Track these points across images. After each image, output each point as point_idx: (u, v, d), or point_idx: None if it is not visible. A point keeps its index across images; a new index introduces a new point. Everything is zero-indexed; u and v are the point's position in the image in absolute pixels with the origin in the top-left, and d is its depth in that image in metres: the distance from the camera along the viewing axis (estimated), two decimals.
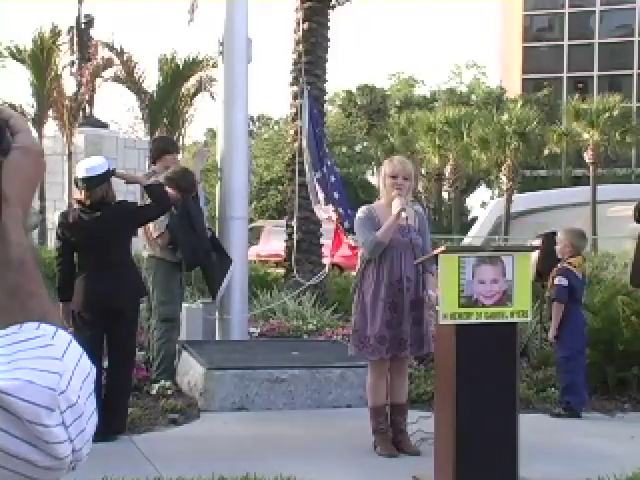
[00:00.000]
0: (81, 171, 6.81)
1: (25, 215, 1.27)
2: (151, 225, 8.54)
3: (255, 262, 16.06)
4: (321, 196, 10.46)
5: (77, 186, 6.93)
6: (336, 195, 10.49)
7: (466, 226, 47.54)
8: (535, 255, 8.70)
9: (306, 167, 10.80)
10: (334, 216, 10.25)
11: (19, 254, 1.23)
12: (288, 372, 8.04)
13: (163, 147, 9.39)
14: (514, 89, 68.42)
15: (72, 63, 26.69)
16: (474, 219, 51.46)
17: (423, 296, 6.49)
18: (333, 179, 10.64)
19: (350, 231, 9.43)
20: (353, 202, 10.97)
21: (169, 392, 8.17)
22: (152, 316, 8.81)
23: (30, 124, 26.36)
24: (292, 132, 15.59)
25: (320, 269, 14.98)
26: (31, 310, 1.21)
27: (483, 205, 60.22)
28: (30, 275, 1.23)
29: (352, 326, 6.69)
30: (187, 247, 8.65)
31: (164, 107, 26.91)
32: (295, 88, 15.36)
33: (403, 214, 6.36)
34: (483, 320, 5.60)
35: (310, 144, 10.70)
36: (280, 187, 40.40)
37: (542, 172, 57.44)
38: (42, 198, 24.09)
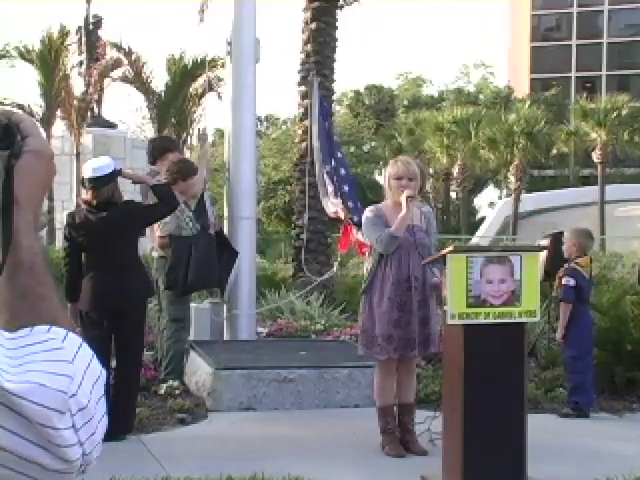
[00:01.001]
0: (88, 171, 6.82)
1: (35, 218, 1.27)
2: (156, 224, 8.54)
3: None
4: (330, 189, 10.33)
5: (84, 186, 6.93)
6: (345, 188, 10.39)
7: (474, 226, 47.48)
8: (543, 255, 8.69)
9: (315, 160, 10.70)
10: (342, 211, 10.15)
11: (30, 257, 1.24)
12: (296, 372, 8.04)
13: (165, 146, 9.39)
14: (522, 89, 68.35)
15: (80, 63, 26.76)
16: (482, 219, 51.41)
17: (429, 296, 6.49)
18: (343, 172, 10.53)
19: (360, 226, 9.41)
20: (361, 202, 10.86)
21: (177, 392, 8.18)
22: (162, 316, 8.82)
23: (38, 124, 26.40)
24: (300, 132, 15.59)
25: (328, 269, 14.99)
26: (41, 313, 1.21)
27: (491, 205, 60.17)
28: (40, 278, 1.24)
29: (360, 326, 6.69)
30: (171, 272, 8.59)
31: (172, 107, 26.97)
32: (303, 88, 15.37)
33: (415, 211, 6.40)
34: (491, 320, 5.59)
35: (320, 136, 10.60)
36: (288, 187, 40.40)
37: (550, 172, 57.37)
38: (50, 198, 24.14)
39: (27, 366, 1.11)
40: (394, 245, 6.39)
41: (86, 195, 6.94)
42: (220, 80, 25.27)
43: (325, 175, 10.39)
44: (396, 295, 6.41)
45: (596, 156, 42.30)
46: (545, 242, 10.11)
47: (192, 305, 9.73)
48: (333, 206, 10.30)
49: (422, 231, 6.55)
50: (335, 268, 11.98)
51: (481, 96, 66.18)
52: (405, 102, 66.00)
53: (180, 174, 8.57)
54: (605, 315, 8.98)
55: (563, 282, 8.02)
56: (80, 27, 27.01)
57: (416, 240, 6.44)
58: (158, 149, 9.26)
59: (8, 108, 1.39)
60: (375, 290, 6.48)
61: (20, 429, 1.10)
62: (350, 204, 10.22)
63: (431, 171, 50.83)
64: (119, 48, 26.49)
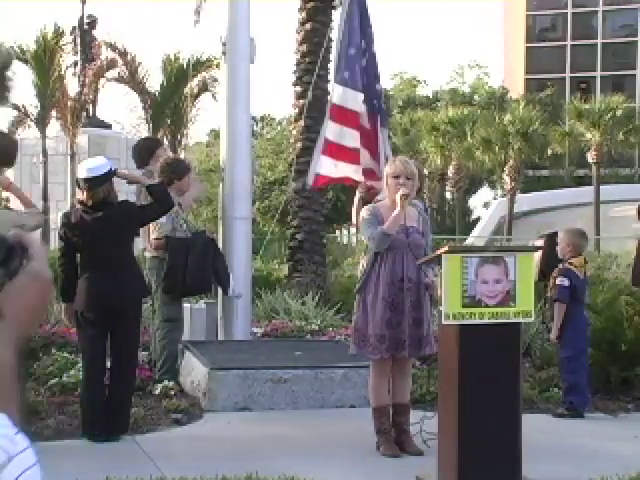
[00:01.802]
0: (83, 171, 6.82)
1: (19, 337, 1.33)
2: (151, 226, 8.55)
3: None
4: (359, 80, 9.37)
5: (79, 187, 6.93)
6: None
7: (469, 226, 47.54)
8: (538, 255, 8.69)
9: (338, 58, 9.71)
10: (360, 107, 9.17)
11: None
12: (291, 372, 8.04)
13: (152, 145, 9.52)
14: (517, 89, 68.40)
15: (75, 63, 26.72)
16: (477, 219, 51.50)
17: (423, 297, 6.49)
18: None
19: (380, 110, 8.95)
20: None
21: (172, 392, 8.17)
22: (155, 316, 8.82)
23: (33, 124, 26.39)
24: (295, 132, 15.60)
25: (323, 269, 14.98)
26: None
27: (486, 205, 60.25)
28: (4, 385, 1.29)
29: (353, 325, 6.70)
30: (169, 274, 8.58)
31: (167, 107, 26.95)
32: (298, 88, 15.38)
33: (412, 211, 6.41)
34: (486, 320, 5.59)
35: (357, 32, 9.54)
36: (283, 187, 40.39)
37: (545, 172, 57.45)
38: (45, 199, 24.11)
39: None
40: (386, 243, 6.38)
41: (81, 195, 6.94)
42: (215, 80, 25.31)
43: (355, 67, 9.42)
44: (389, 295, 6.41)
45: (591, 156, 42.40)
46: (540, 242, 10.12)
47: (187, 305, 9.73)
48: (342, 98, 9.26)
49: (418, 232, 6.55)
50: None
51: (476, 96, 66.24)
52: (400, 102, 66.04)
53: (175, 174, 8.59)
54: (600, 315, 8.99)
55: (557, 282, 8.03)
56: (75, 27, 26.95)
57: (411, 241, 6.44)
58: (147, 149, 9.30)
59: (19, 229, 1.48)
60: (369, 290, 6.49)
61: None
62: (378, 87, 9.42)
63: (426, 171, 50.86)
64: (114, 48, 26.49)
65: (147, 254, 8.95)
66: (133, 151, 9.61)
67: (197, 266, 8.54)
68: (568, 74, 76.39)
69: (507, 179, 42.34)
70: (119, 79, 27.09)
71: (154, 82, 27.06)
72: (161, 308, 8.70)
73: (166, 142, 27.01)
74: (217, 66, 22.07)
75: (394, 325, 6.39)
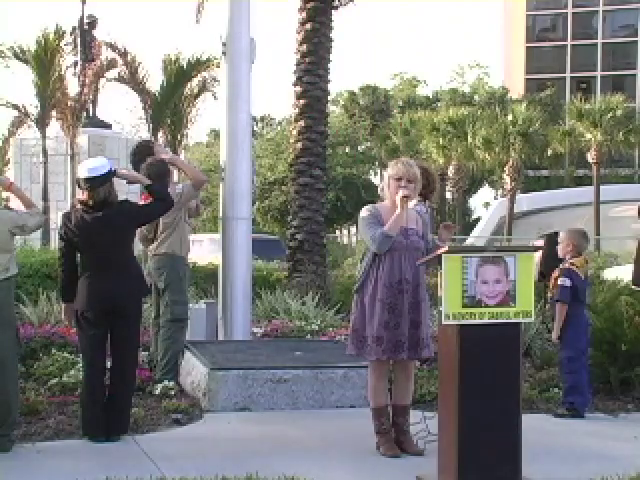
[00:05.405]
0: (83, 171, 6.81)
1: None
2: (161, 224, 8.64)
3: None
4: None
5: (80, 187, 6.93)
6: None
7: (469, 226, 47.56)
8: (538, 256, 8.69)
9: None
10: None
11: None
12: (291, 372, 8.04)
13: (147, 145, 9.56)
14: (517, 89, 68.44)
15: (75, 64, 26.72)
16: (477, 219, 51.52)
17: (421, 299, 6.47)
18: None
19: None
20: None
21: (172, 392, 8.18)
22: (161, 315, 8.81)
23: (33, 124, 26.39)
24: (295, 132, 15.60)
25: (323, 269, 15.00)
26: None
27: (486, 205, 60.27)
28: None
29: (351, 325, 6.68)
30: None
31: (167, 107, 26.97)
32: (298, 88, 15.38)
33: (410, 204, 6.38)
34: (486, 320, 5.59)
35: None
36: (283, 187, 40.39)
37: (545, 172, 57.46)
38: (45, 199, 24.11)
39: None
40: (387, 244, 6.37)
41: (82, 195, 6.94)
42: (215, 80, 25.34)
43: None
44: (387, 297, 6.39)
45: (591, 156, 42.40)
46: (540, 242, 10.13)
47: (188, 306, 9.73)
48: None
49: (417, 235, 6.53)
50: None
51: (476, 96, 66.24)
52: (400, 102, 66.08)
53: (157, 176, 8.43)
54: (600, 315, 8.98)
55: (559, 282, 8.03)
56: (75, 27, 26.95)
57: (409, 243, 6.43)
58: (147, 151, 9.25)
59: None
60: (367, 291, 6.47)
61: None
62: None
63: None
64: (114, 48, 26.52)
65: (156, 251, 8.87)
66: (134, 157, 9.46)
67: None
68: (568, 74, 76.41)
69: (507, 179, 42.35)
70: (119, 79, 27.12)
71: (154, 82, 27.11)
72: (170, 307, 8.69)
73: (166, 142, 27.05)
74: (217, 66, 22.08)
75: (392, 327, 6.37)
